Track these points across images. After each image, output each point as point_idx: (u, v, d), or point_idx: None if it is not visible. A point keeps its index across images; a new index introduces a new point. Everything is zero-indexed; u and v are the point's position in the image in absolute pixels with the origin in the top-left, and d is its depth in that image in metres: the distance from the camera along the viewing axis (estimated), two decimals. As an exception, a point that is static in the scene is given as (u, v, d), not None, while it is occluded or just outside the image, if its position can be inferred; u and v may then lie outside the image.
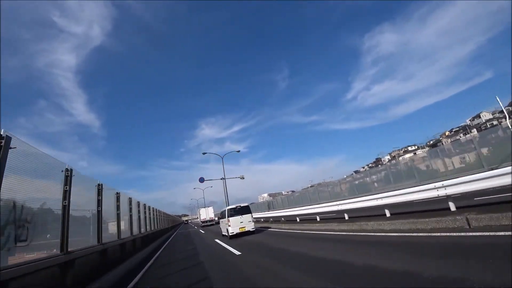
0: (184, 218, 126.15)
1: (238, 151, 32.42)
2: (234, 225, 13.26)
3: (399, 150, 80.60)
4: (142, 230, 13.00)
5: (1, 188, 3.19)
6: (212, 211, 41.66)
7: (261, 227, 17.05)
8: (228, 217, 13.60)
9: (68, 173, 5.02)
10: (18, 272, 3.19)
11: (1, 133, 3.31)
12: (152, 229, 16.86)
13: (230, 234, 13.08)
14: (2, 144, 3.27)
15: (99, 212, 6.49)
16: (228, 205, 15.36)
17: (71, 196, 4.93)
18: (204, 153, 31.97)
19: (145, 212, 14.46)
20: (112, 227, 8.02)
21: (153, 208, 18.60)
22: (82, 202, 6.11)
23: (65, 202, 4.72)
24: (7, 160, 3.34)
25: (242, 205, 14.20)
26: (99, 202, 6.57)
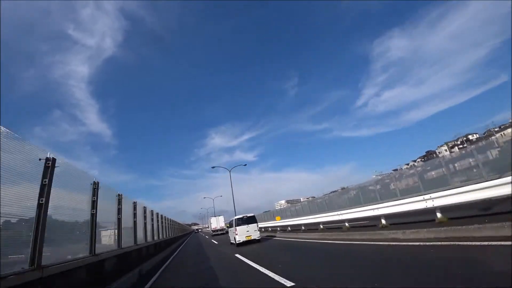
0: (195, 227, 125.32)
1: (245, 165, 36.39)
2: (241, 233, 14.30)
3: (454, 141, 76.61)
4: (149, 239, 11.97)
5: None
6: (223, 220, 40.97)
7: (268, 236, 17.91)
8: (235, 226, 14.69)
9: (49, 163, 4.00)
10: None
11: None
12: (160, 238, 15.82)
13: (237, 242, 14.13)
14: None
15: (94, 216, 5.45)
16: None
17: (51, 193, 3.89)
18: (213, 167, 39.29)
19: (152, 219, 13.44)
20: (110, 235, 7.01)
21: (161, 215, 17.59)
22: (74, 205, 5.11)
23: (42, 200, 3.69)
24: None
25: (248, 215, 15.25)
26: (94, 204, 5.54)
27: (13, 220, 3.43)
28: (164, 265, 10.58)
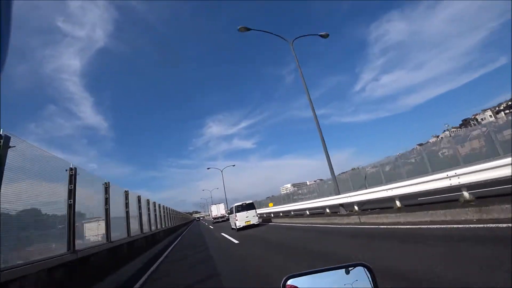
0: (196, 215, 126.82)
1: (233, 165, 41.25)
2: (241, 219, 15.70)
3: (496, 106, 77.46)
4: (145, 229, 11.30)
5: None
6: (223, 207, 41.99)
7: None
8: (235, 212, 16.11)
9: (72, 172, 3.47)
10: None
11: None
12: (159, 228, 15.33)
13: (237, 227, 15.57)
14: None
15: (71, 207, 4.63)
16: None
17: None
18: (208, 168, 38.85)
19: (148, 209, 12.78)
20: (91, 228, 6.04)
21: (158, 204, 16.90)
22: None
23: (70, 201, 3.55)
24: None
25: (247, 202, 16.76)
26: (71, 193, 4.70)
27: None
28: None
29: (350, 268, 0.86)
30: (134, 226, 9.61)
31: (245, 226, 15.59)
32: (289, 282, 0.86)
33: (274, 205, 24.99)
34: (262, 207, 26.77)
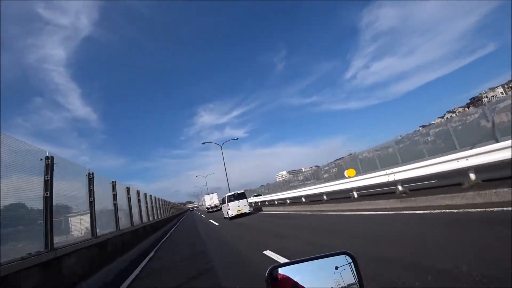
0: (190, 206, 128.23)
1: (236, 139, 35.58)
2: (233, 208, 16.56)
3: (505, 84, 78.32)
4: (136, 222, 11.09)
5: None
6: (216, 197, 42.71)
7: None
8: (227, 202, 16.91)
9: (48, 161, 5.10)
10: None
11: None
12: (151, 220, 14.60)
13: (230, 216, 16.37)
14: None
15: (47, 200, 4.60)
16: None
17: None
18: (203, 143, 34.87)
19: (139, 201, 12.07)
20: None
21: (149, 195, 16.02)
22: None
23: (47, 194, 4.53)
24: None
25: (239, 192, 17.80)
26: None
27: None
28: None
29: (334, 257, 0.85)
30: (124, 219, 9.39)
31: (237, 215, 16.38)
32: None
33: (268, 194, 25.21)
34: (260, 195, 28.48)
